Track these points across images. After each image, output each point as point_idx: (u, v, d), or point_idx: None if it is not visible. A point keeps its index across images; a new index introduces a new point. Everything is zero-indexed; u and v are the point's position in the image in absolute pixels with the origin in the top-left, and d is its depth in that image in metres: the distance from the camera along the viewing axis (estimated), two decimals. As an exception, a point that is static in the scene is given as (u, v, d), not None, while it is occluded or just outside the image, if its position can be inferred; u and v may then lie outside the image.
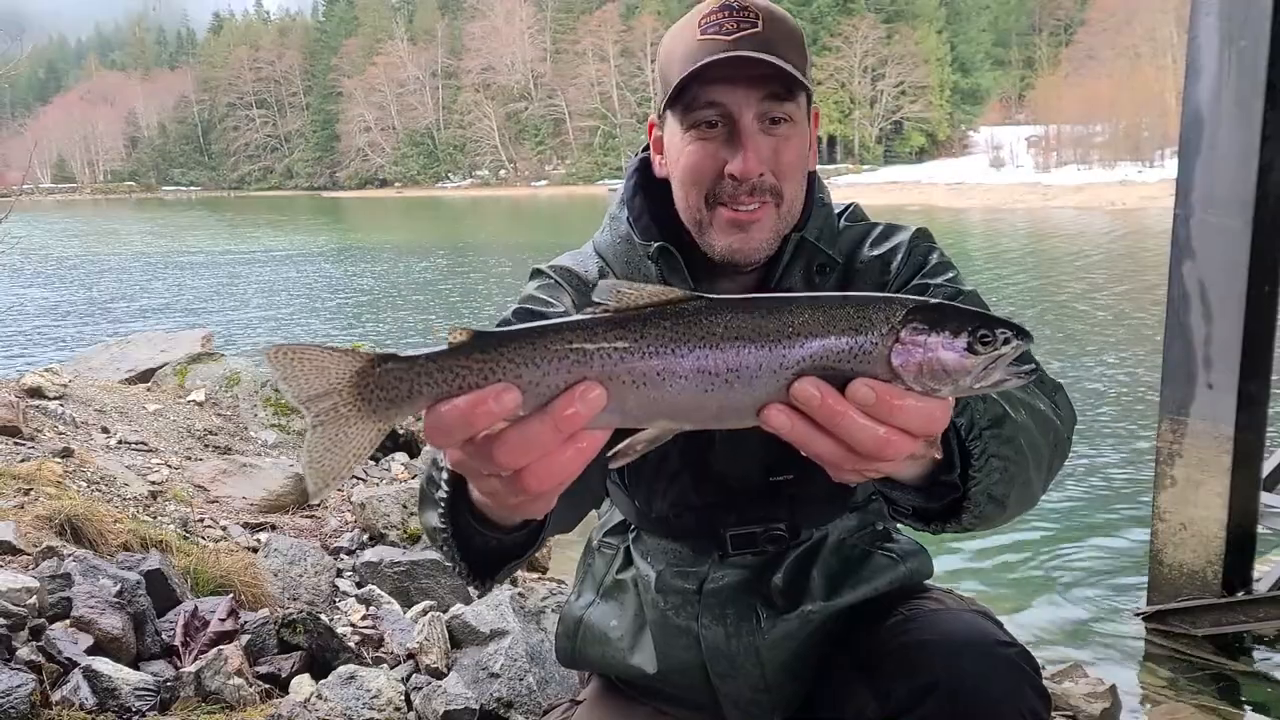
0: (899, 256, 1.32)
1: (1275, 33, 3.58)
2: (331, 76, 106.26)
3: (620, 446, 0.77)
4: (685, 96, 1.23)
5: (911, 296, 0.77)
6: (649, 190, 1.38)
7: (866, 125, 79.33)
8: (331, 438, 0.73)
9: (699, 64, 1.20)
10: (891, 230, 1.37)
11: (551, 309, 1.29)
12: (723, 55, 1.19)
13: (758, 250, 1.28)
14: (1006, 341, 0.75)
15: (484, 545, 1.02)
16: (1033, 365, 0.79)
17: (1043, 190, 51.12)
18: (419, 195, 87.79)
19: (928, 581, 1.44)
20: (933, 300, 0.76)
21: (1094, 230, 31.73)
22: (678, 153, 1.28)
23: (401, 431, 5.22)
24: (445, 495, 0.97)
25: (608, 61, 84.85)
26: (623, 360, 0.70)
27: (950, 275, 1.30)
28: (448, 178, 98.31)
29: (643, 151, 1.42)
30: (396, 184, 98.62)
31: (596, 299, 0.73)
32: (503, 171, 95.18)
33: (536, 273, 1.40)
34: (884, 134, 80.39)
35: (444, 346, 0.71)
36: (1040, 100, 74.49)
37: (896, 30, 77.99)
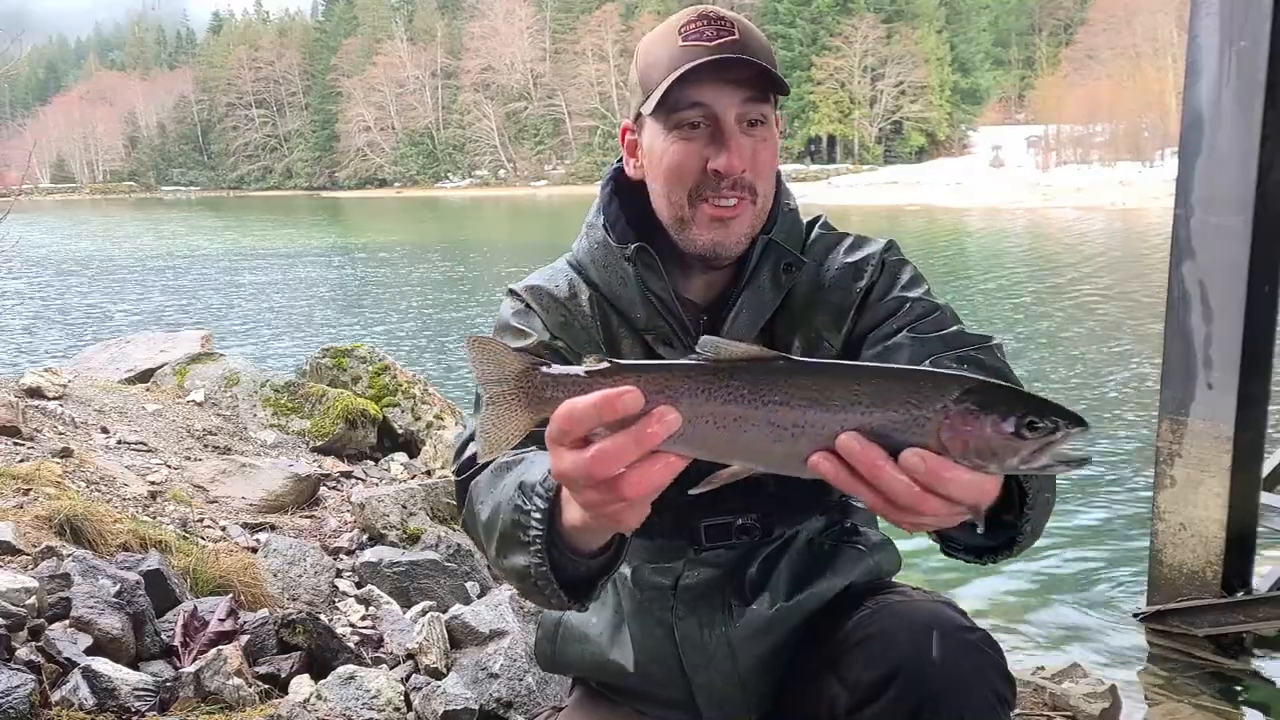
0: (871, 267, 1.40)
1: (1275, 33, 3.57)
2: (331, 76, 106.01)
3: (707, 479, 0.88)
4: (670, 99, 1.29)
5: (968, 375, 0.82)
6: (623, 196, 1.45)
7: (866, 125, 79.10)
8: (498, 416, 0.89)
9: (687, 66, 1.25)
10: (862, 241, 1.45)
11: (524, 338, 1.37)
12: (708, 59, 1.26)
13: (737, 245, 1.35)
14: (1055, 429, 0.78)
15: (574, 572, 1.12)
16: (1084, 455, 0.81)
17: (1043, 190, 51.09)
18: (418, 195, 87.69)
19: (896, 578, 1.49)
20: (989, 381, 0.81)
21: (1094, 230, 31.71)
22: (660, 153, 1.33)
23: (401, 431, 5.22)
24: (540, 533, 1.06)
25: (607, 61, 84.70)
26: (706, 403, 0.82)
27: (923, 290, 1.37)
28: (447, 178, 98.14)
29: (618, 161, 1.49)
30: (396, 184, 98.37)
31: (699, 350, 0.84)
32: (502, 171, 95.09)
33: (510, 293, 1.46)
34: (884, 134, 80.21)
35: (583, 368, 0.86)
36: (1040, 100, 74.55)
37: (896, 30, 77.85)
